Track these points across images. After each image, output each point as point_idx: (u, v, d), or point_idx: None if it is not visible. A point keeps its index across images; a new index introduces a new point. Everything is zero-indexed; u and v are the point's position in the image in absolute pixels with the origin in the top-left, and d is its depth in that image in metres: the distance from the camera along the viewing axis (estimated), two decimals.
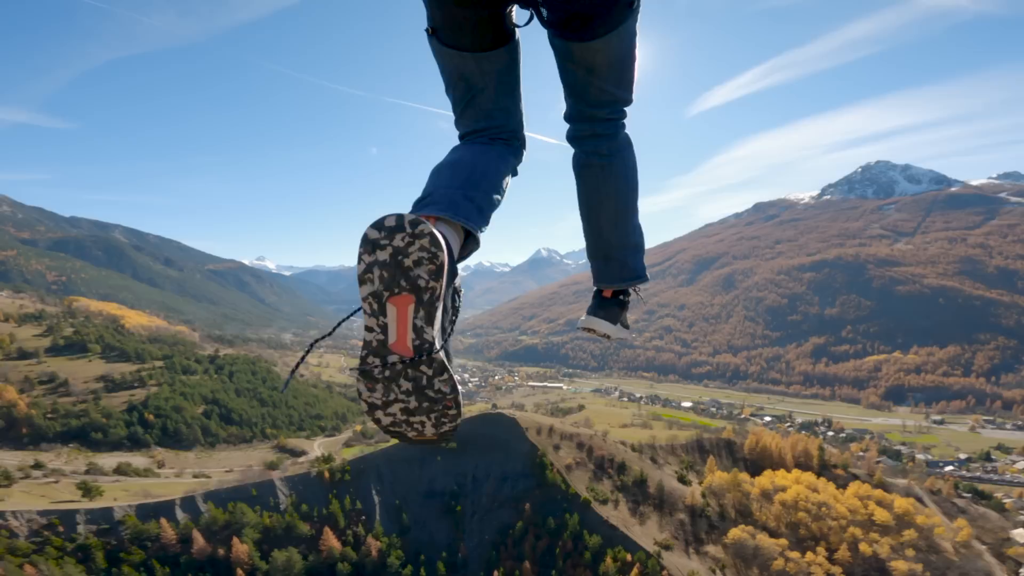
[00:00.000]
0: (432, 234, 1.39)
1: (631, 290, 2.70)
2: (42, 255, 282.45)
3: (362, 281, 1.42)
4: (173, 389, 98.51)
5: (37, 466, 67.39)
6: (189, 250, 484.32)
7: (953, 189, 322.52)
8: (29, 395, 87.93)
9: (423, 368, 1.48)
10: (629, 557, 50.76)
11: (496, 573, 51.63)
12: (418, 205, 1.79)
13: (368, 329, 1.48)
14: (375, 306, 1.44)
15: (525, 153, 2.31)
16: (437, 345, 1.47)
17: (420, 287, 1.41)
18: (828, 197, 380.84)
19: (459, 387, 1.55)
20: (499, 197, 2.02)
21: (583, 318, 2.70)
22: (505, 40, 2.02)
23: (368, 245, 1.39)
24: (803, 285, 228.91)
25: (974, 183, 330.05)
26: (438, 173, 1.96)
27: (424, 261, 1.39)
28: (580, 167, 2.40)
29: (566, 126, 2.33)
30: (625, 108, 2.23)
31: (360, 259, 1.41)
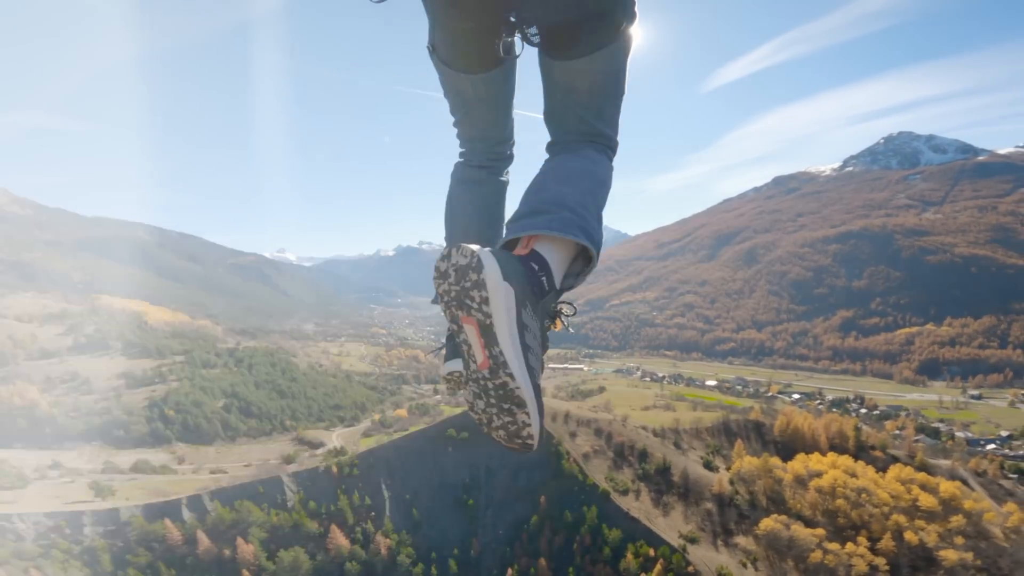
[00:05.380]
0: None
1: (559, 307, 1.88)
2: (67, 255, 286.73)
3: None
4: (193, 384, 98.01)
5: (54, 466, 67.23)
6: (211, 245, 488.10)
7: (980, 158, 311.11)
8: (51, 394, 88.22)
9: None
10: (652, 552, 48.23)
11: (510, 571, 49.52)
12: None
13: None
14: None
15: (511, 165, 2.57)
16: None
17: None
18: (850, 169, 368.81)
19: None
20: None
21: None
22: (500, 62, 2.09)
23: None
24: (828, 257, 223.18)
25: (1002, 152, 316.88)
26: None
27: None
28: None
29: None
30: (608, 147, 2.13)
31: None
